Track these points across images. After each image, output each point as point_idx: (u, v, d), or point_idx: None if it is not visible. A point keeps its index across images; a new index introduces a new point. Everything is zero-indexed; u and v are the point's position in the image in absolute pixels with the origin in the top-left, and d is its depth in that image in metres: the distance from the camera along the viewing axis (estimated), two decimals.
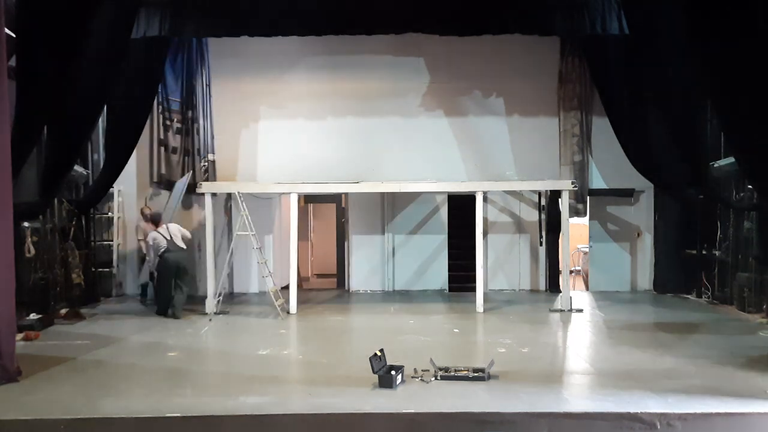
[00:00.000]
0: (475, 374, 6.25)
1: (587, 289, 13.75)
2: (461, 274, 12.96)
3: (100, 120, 11.51)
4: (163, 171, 12.86)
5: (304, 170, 12.56)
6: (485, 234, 12.00)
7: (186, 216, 13.19)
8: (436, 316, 10.34)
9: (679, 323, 9.56)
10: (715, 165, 11.07)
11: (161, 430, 5.25)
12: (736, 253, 10.74)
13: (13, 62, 7.68)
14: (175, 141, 12.89)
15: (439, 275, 13.43)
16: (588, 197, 13.20)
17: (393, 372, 6.13)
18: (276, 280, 11.24)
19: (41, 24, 7.58)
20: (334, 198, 14.81)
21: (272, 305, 10.39)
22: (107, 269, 12.66)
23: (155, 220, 10.59)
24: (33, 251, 9.45)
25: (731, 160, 10.01)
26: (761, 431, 5.19)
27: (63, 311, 10.03)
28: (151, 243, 10.29)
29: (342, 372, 6.81)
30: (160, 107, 12.70)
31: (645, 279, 13.37)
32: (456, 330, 9.25)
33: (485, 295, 11.15)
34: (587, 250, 13.89)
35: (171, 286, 10.15)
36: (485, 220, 11.62)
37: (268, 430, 5.28)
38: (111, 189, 12.17)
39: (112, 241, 12.71)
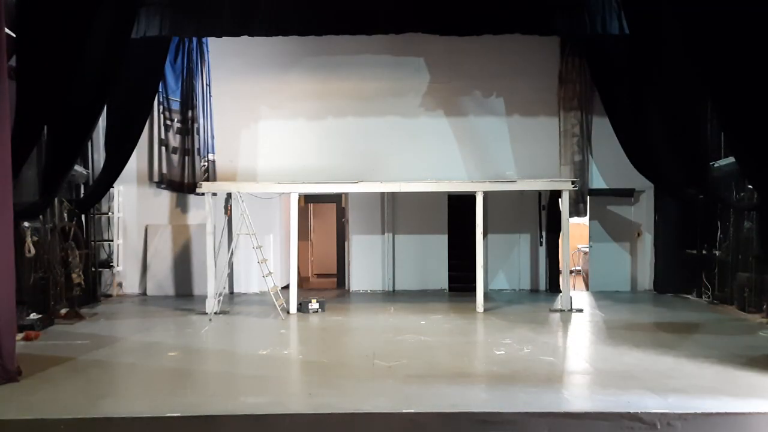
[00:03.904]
0: None
1: (587, 289, 13.75)
2: (461, 274, 12.97)
3: (100, 120, 11.51)
4: (164, 171, 12.89)
5: (304, 170, 12.58)
6: (485, 234, 12.00)
7: (184, 216, 13.22)
8: (436, 316, 10.34)
9: (680, 323, 9.56)
10: (715, 165, 11.07)
11: (161, 430, 5.24)
12: (736, 253, 10.74)
13: (13, 62, 7.69)
14: (175, 141, 12.92)
15: (439, 275, 13.44)
16: (588, 197, 13.20)
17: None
18: (276, 280, 11.24)
19: (41, 24, 7.59)
20: (334, 198, 14.82)
21: (272, 305, 10.40)
22: (107, 269, 12.67)
23: None
24: (33, 251, 9.44)
25: (731, 160, 10.02)
26: (761, 431, 5.18)
27: (63, 311, 10.03)
28: None
29: (342, 372, 6.80)
30: (161, 107, 12.74)
31: (645, 279, 13.38)
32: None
33: (485, 295, 11.16)
34: (587, 250, 13.90)
35: None
36: (485, 219, 11.61)
37: (268, 430, 5.28)
38: (111, 189, 12.18)
39: (112, 240, 12.71)
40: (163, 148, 12.89)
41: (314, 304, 10.66)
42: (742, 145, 7.84)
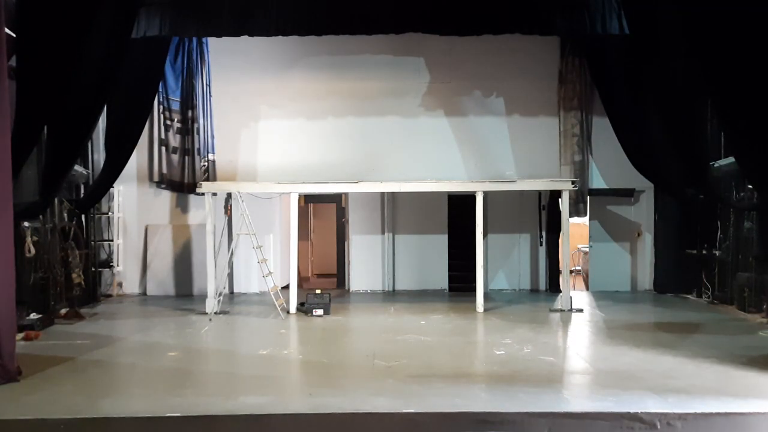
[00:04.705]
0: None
1: (587, 289, 13.75)
2: (461, 274, 12.96)
3: (100, 120, 11.51)
4: (164, 171, 12.89)
5: (304, 170, 12.58)
6: (485, 234, 12.00)
7: (184, 216, 13.22)
8: (436, 316, 10.34)
9: (679, 323, 9.56)
10: (715, 165, 11.07)
11: (161, 430, 5.25)
12: (736, 253, 10.74)
13: (13, 62, 7.68)
14: (175, 141, 12.92)
15: (439, 275, 13.44)
16: (588, 197, 13.20)
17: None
18: (276, 280, 11.24)
19: (41, 24, 7.58)
20: (334, 198, 14.81)
21: (272, 305, 10.39)
22: (107, 269, 12.67)
23: None
24: (33, 251, 9.44)
25: (731, 160, 10.01)
26: (761, 431, 5.18)
27: (63, 311, 10.03)
28: None
29: (342, 372, 6.81)
30: (161, 107, 12.74)
31: (645, 279, 13.38)
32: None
33: (485, 295, 11.15)
34: (587, 250, 13.89)
35: None
36: (485, 219, 11.62)
37: (268, 430, 5.28)
38: (111, 189, 12.18)
39: (112, 240, 12.71)
40: (163, 148, 12.90)
41: (318, 311, 10.33)
42: (742, 145, 7.84)
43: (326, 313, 10.36)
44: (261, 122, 13.34)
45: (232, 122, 13.23)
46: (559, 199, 11.18)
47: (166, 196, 13.18)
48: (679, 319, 9.98)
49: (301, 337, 9.27)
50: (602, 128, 12.85)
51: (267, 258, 11.14)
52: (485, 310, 10.67)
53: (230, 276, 12.72)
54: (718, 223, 11.34)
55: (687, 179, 11.38)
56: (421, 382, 6.21)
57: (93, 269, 11.98)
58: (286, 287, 11.33)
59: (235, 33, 11.00)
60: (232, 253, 11.11)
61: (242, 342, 8.90)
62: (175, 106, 12.87)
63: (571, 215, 11.52)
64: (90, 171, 12.01)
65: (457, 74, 13.25)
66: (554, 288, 12.92)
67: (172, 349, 7.93)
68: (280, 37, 11.30)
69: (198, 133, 12.89)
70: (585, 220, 13.66)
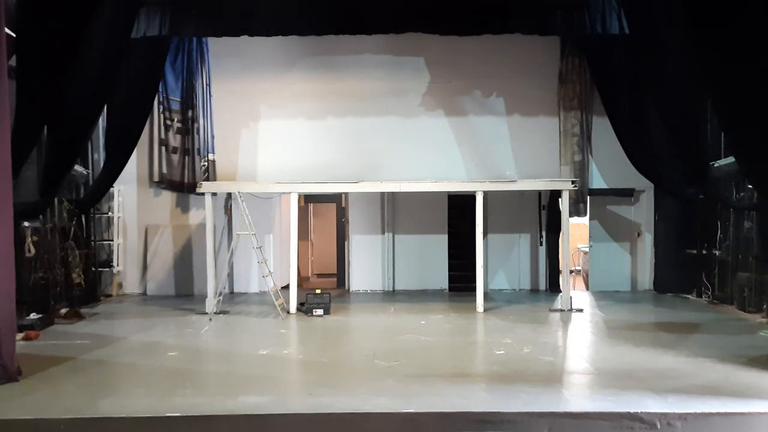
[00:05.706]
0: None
1: (587, 288, 13.75)
2: (461, 274, 12.97)
3: (100, 120, 11.53)
4: (164, 170, 12.89)
5: (304, 170, 12.57)
6: (485, 234, 12.00)
7: (184, 216, 13.22)
8: (436, 316, 10.34)
9: (679, 323, 9.56)
10: (715, 165, 11.07)
11: (161, 430, 5.24)
12: (736, 253, 10.74)
13: (13, 62, 7.68)
14: (175, 141, 12.93)
15: (439, 275, 13.44)
16: (588, 197, 13.20)
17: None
18: (276, 280, 11.24)
19: (41, 24, 7.58)
20: (334, 198, 14.82)
21: (272, 305, 10.39)
22: (107, 269, 12.67)
23: None
24: (33, 251, 9.45)
25: (731, 160, 10.02)
26: (761, 431, 5.18)
27: (63, 311, 10.03)
28: None
29: (342, 372, 6.81)
30: (161, 107, 12.75)
31: (645, 279, 13.38)
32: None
33: (485, 295, 11.15)
34: (587, 250, 13.90)
35: None
36: (485, 219, 11.62)
37: (268, 430, 5.28)
38: (111, 189, 12.18)
39: (112, 240, 12.71)
40: (163, 148, 12.90)
41: (318, 311, 10.35)
42: (741, 145, 7.85)
43: (326, 313, 10.35)
44: (261, 122, 13.34)
45: (232, 122, 13.22)
46: (559, 199, 11.18)
47: (166, 196, 13.19)
48: (679, 319, 9.97)
49: (301, 337, 9.27)
50: (602, 128, 12.85)
51: (267, 258, 11.13)
52: (485, 310, 10.67)
53: (230, 276, 12.74)
54: (718, 223, 11.34)
55: (687, 179, 11.40)
56: (421, 382, 6.20)
57: (93, 269, 11.98)
58: (286, 287, 11.33)
59: (235, 33, 11.01)
60: (232, 253, 11.11)
61: (242, 342, 8.89)
62: (175, 106, 12.87)
63: (571, 215, 11.51)
64: (90, 171, 12.02)
65: (457, 74, 13.24)
66: (554, 288, 12.91)
67: (172, 349, 7.93)
68: (280, 37, 11.32)
69: (198, 133, 12.90)
70: (585, 220, 13.66)
